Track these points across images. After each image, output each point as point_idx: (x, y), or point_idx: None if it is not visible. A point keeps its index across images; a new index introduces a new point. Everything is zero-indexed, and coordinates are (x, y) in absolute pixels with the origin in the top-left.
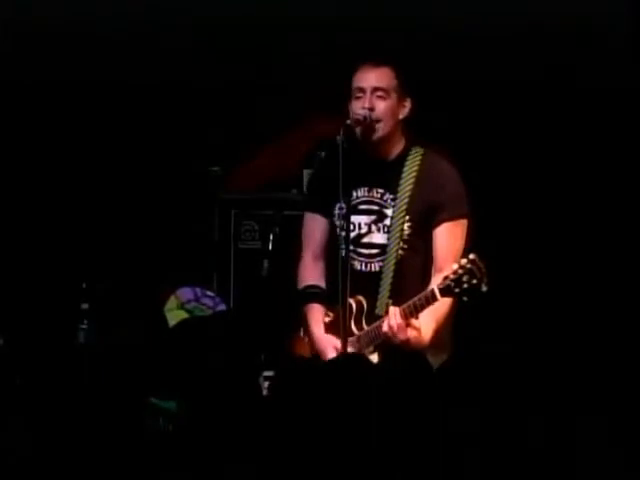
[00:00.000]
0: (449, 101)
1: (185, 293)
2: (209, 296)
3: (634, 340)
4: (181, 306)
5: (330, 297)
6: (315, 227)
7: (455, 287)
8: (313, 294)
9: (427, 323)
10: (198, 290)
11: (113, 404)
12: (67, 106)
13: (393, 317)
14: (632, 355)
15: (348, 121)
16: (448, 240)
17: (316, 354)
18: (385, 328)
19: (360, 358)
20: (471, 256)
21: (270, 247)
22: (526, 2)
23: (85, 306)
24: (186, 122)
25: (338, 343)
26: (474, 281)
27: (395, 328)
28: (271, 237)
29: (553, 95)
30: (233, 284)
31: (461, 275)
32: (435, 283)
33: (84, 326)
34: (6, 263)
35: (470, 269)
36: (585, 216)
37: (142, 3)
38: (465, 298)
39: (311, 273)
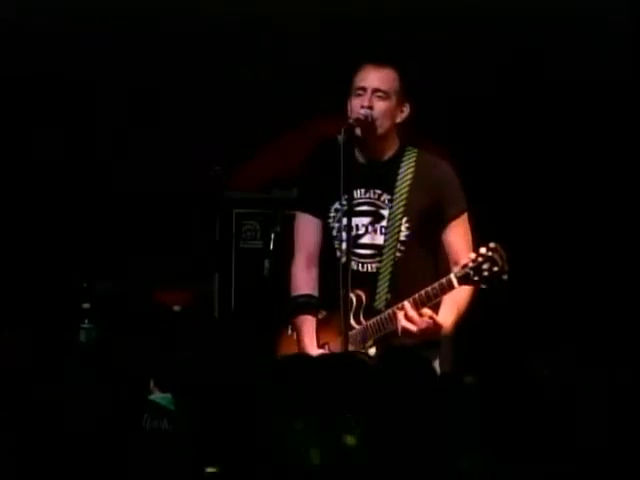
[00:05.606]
0: (446, 101)
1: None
2: None
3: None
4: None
5: (325, 296)
6: (308, 228)
7: (474, 275)
8: (306, 304)
9: (447, 311)
10: None
11: (113, 403)
12: (68, 107)
13: (409, 311)
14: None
15: (350, 120)
16: (459, 235)
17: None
18: (403, 323)
19: (354, 357)
20: (492, 244)
21: (271, 247)
22: (526, 1)
23: (86, 305)
24: (187, 122)
25: None
26: (495, 269)
27: (412, 322)
28: (272, 237)
29: (552, 93)
30: (234, 284)
31: (481, 263)
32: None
33: (85, 325)
34: (7, 262)
35: (491, 257)
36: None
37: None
38: (484, 286)
39: (305, 280)
